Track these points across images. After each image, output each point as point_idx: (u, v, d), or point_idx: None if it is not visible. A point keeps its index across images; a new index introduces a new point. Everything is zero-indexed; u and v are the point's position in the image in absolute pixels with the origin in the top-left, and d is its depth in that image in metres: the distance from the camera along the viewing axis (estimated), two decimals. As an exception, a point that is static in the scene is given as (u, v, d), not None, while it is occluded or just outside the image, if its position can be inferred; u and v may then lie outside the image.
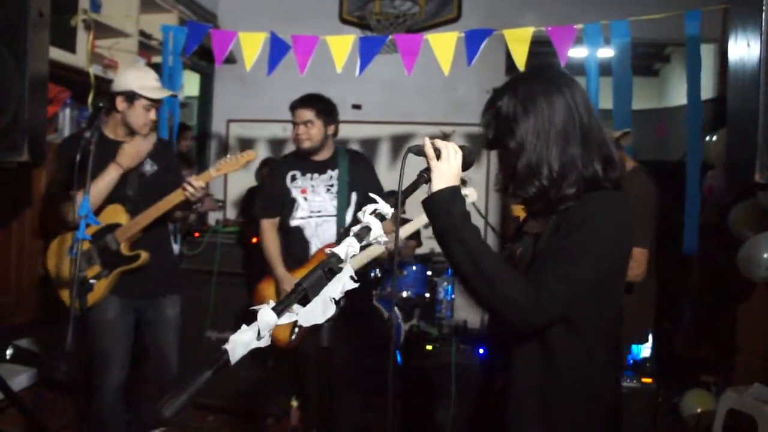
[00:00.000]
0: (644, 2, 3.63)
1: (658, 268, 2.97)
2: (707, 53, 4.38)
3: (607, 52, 3.75)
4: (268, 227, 3.31)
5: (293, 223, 3.25)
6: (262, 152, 6.04)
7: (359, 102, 5.68)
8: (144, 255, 2.88)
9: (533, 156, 1.44)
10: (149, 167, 2.99)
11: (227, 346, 0.96)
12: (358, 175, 3.29)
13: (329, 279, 1.10)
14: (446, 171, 1.42)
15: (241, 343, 0.95)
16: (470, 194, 2.98)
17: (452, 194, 1.40)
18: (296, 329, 3.14)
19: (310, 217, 3.23)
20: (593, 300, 1.42)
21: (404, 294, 4.24)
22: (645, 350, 3.76)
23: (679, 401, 3.91)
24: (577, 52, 4.08)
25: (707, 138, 3.99)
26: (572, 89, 1.48)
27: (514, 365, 1.48)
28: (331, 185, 3.27)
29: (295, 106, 3.22)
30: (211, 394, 3.67)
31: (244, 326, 0.97)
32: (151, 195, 2.88)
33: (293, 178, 3.28)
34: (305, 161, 3.29)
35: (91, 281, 2.76)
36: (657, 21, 3.51)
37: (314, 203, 3.23)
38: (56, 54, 3.28)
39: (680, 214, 3.52)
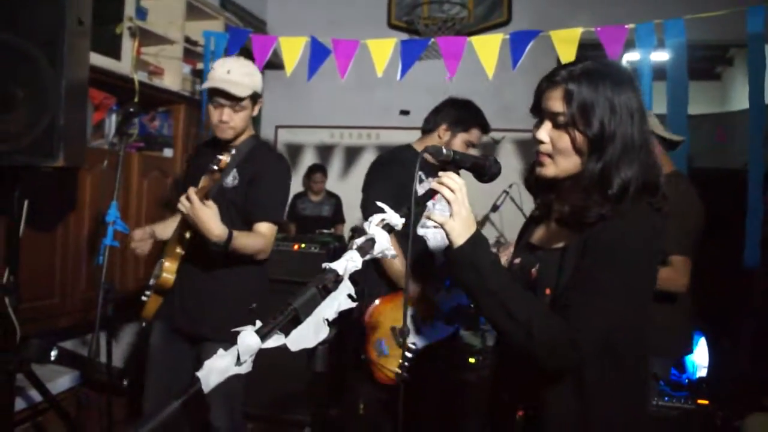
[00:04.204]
0: (702, 2, 3.43)
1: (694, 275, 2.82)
2: (772, 54, 4.13)
3: (661, 56, 3.57)
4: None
5: (420, 231, 2.74)
6: (309, 158, 6.05)
7: (407, 108, 5.61)
8: (165, 277, 2.42)
9: (611, 165, 1.35)
10: (230, 180, 2.50)
11: (200, 373, 0.88)
12: None
13: (323, 297, 1.01)
14: (459, 226, 1.37)
15: (216, 369, 0.87)
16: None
17: (473, 245, 1.36)
18: (404, 362, 2.45)
19: (436, 227, 2.67)
20: (628, 325, 1.35)
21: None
22: (701, 370, 3.55)
23: (741, 425, 3.67)
24: (629, 57, 3.90)
25: (771, 144, 3.75)
26: (642, 100, 1.41)
27: (545, 394, 1.40)
28: None
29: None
30: (251, 402, 3.65)
31: (220, 350, 0.90)
32: (229, 214, 2.40)
33: (420, 181, 2.68)
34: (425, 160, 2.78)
35: (143, 297, 2.59)
36: (716, 20, 3.28)
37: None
38: (101, 61, 3.31)
39: (741, 224, 3.31)
